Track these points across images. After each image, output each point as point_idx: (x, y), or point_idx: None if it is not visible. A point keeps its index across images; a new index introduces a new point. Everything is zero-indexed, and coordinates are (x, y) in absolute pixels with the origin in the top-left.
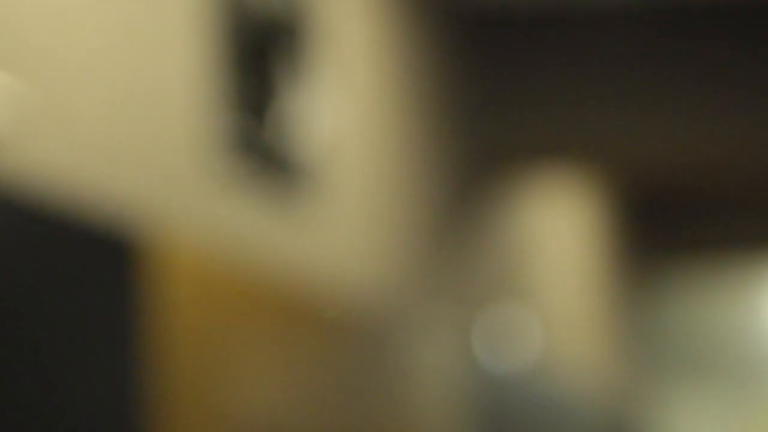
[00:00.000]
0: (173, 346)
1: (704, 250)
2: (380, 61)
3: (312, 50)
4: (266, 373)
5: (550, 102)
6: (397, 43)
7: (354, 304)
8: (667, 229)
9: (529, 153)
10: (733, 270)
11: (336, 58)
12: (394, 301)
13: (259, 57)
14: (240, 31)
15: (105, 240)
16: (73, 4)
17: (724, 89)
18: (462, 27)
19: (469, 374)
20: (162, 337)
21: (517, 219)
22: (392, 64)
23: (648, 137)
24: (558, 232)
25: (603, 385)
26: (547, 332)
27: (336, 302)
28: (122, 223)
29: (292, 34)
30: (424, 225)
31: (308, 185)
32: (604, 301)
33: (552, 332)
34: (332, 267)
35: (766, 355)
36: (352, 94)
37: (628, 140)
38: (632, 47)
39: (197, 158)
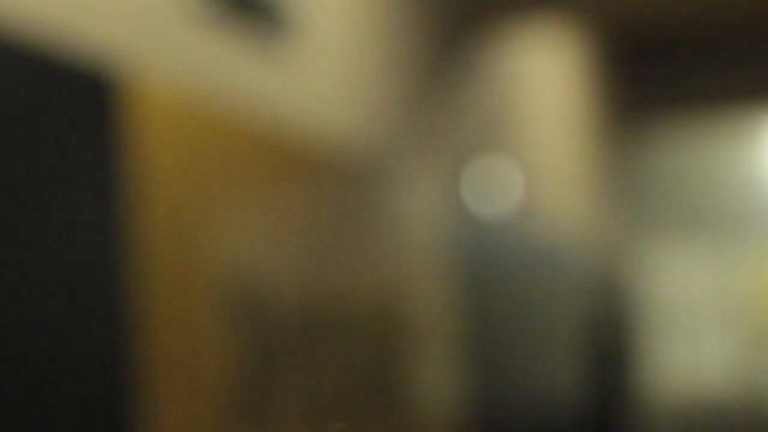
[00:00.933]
0: (151, 187)
1: (693, 101)
2: None
3: None
4: (246, 217)
5: None
6: None
7: (337, 150)
8: (656, 79)
9: (515, 1)
10: (723, 122)
11: None
12: (378, 148)
13: None
14: None
15: (82, 79)
16: None
17: None
18: None
19: (453, 224)
20: (139, 177)
21: (503, 69)
22: None
23: None
24: (545, 82)
25: (589, 237)
26: (533, 183)
27: (318, 148)
28: (99, 62)
29: None
30: (408, 73)
31: (289, 29)
32: (591, 152)
33: (537, 183)
34: (314, 112)
35: (755, 209)
36: None
37: None
38: None
39: None
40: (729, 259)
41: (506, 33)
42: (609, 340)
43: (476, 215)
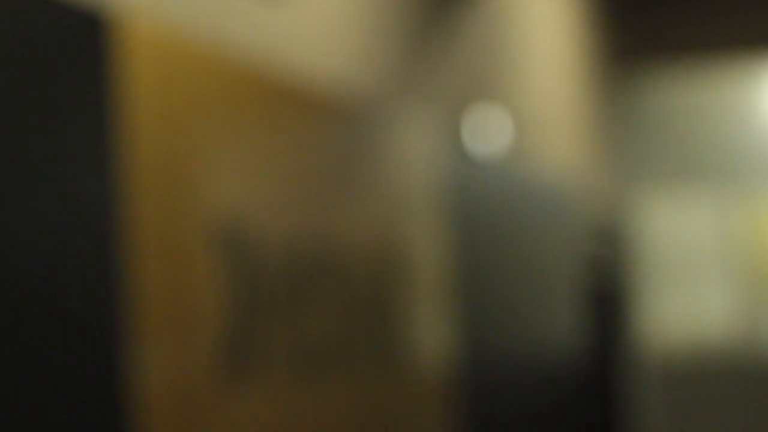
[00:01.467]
0: (141, 125)
1: (693, 47)
2: None
3: None
4: (237, 158)
5: None
6: None
7: (332, 92)
8: (655, 25)
9: None
10: (723, 67)
11: None
12: (374, 91)
13: None
14: None
15: (75, 15)
16: None
17: None
18: None
19: (449, 169)
20: (130, 116)
21: (499, 13)
22: None
23: None
24: (541, 27)
25: (588, 182)
26: (529, 128)
27: (313, 90)
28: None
29: None
30: (404, 17)
31: None
32: (589, 98)
33: (534, 128)
34: (309, 54)
35: (756, 155)
36: None
37: None
38: None
39: None
40: (730, 205)
41: None
42: (607, 286)
43: (472, 160)
